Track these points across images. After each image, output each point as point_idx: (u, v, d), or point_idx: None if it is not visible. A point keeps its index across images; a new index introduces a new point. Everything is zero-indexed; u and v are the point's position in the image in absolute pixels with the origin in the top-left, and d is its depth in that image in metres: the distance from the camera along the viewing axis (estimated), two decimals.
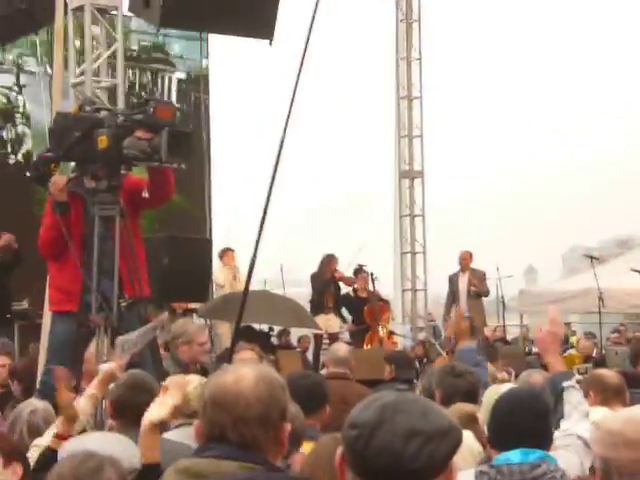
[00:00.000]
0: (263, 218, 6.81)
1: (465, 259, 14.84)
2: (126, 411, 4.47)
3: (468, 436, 3.97)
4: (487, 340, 14.30)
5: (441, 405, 4.92)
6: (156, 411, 3.58)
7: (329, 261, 14.07)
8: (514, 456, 3.40)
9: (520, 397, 3.78)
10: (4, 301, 11.91)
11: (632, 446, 2.27)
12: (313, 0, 6.51)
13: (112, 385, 4.75)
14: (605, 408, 4.77)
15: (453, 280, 14.89)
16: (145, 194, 6.24)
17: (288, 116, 6.63)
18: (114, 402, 4.56)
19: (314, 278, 14.19)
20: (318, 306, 13.68)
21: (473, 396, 4.52)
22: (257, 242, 6.91)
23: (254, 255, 6.84)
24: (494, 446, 3.59)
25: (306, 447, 3.99)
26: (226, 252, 13.82)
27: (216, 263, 13.78)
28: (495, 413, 3.71)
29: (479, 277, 14.76)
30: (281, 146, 6.63)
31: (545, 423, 3.59)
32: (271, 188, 6.69)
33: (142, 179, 6.38)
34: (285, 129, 6.56)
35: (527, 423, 3.50)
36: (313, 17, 6.68)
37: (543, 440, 3.51)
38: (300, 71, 6.59)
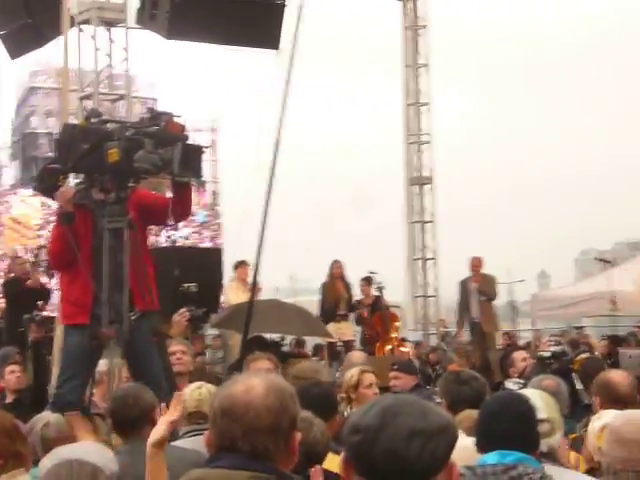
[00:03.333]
0: (263, 229, 6.91)
1: (476, 264, 14.80)
2: (121, 425, 4.61)
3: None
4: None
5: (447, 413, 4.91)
6: (155, 433, 3.74)
7: (334, 267, 14.14)
8: (491, 458, 3.41)
9: (504, 400, 3.78)
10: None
11: (626, 445, 2.26)
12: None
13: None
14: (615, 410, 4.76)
15: (464, 285, 14.84)
16: (170, 220, 6.44)
17: (280, 125, 6.80)
18: (110, 416, 4.68)
19: (324, 286, 14.24)
20: (330, 314, 13.67)
21: (478, 403, 4.50)
22: (259, 250, 6.98)
23: (257, 263, 6.91)
24: (480, 449, 3.60)
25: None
26: (241, 265, 13.43)
27: (228, 276, 13.57)
28: (480, 416, 3.74)
29: (489, 282, 14.71)
30: (276, 151, 6.79)
31: (529, 426, 3.58)
32: (268, 200, 6.80)
33: (152, 193, 6.40)
34: (278, 138, 6.73)
35: (510, 425, 3.51)
36: (297, 26, 6.89)
37: (527, 443, 3.50)
38: (288, 82, 6.79)
